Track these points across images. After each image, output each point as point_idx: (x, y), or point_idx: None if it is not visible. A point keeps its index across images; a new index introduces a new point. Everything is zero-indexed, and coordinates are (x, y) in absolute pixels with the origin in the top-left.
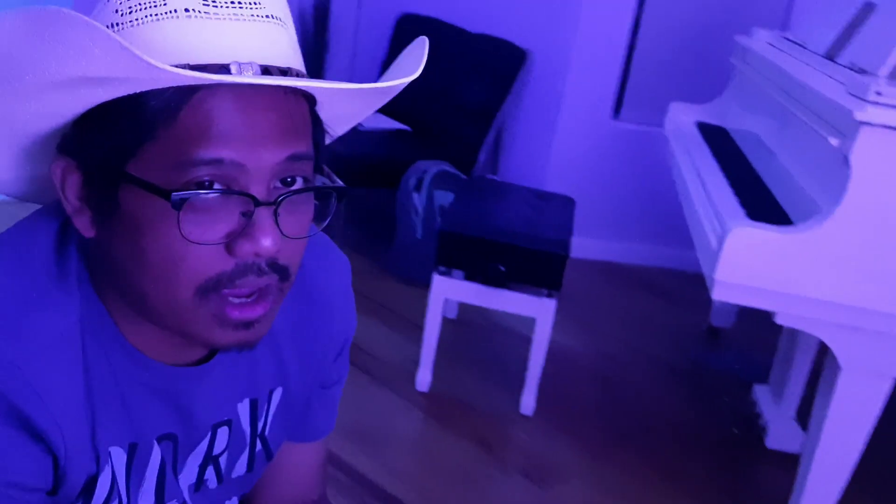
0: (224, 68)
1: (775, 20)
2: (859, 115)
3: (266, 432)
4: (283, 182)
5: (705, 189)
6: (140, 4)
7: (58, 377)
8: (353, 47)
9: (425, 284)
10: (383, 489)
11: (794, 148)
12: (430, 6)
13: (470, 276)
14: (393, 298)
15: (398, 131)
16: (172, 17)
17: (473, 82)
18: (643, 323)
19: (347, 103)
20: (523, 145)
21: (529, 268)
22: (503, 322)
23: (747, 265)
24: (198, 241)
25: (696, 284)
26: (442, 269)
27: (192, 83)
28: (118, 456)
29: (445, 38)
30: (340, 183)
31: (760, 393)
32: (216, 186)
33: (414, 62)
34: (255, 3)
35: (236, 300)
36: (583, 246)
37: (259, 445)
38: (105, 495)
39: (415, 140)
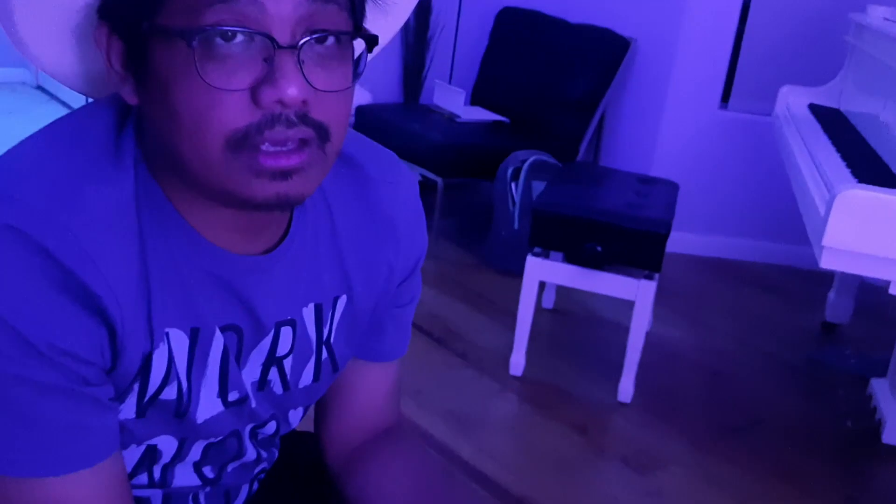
0: None
1: None
2: None
3: (332, 339)
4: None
5: (815, 162)
6: None
7: (113, 247)
8: (453, 42)
9: (522, 274)
10: (482, 472)
11: None
12: None
13: (565, 258)
14: (490, 288)
15: (496, 123)
16: None
17: (576, 73)
18: (752, 319)
19: None
20: (627, 136)
21: (627, 248)
22: (601, 312)
23: (856, 229)
24: (220, 87)
25: (808, 281)
26: (536, 250)
27: None
28: (179, 339)
29: (546, 29)
30: (370, 33)
31: (878, 387)
32: (232, 26)
33: None
34: None
35: (270, 149)
36: (689, 241)
37: (325, 353)
38: (161, 377)
39: (513, 131)
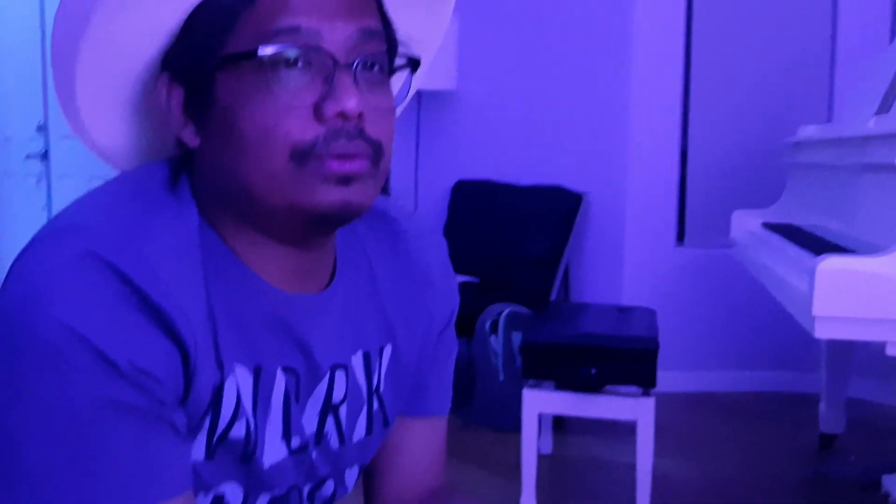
0: None
1: (819, 115)
2: None
3: (381, 390)
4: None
5: (787, 260)
6: None
7: (182, 275)
8: (414, 201)
9: (515, 429)
10: None
11: (867, 208)
12: (482, 170)
13: (560, 385)
14: (485, 446)
15: (466, 283)
16: None
17: (534, 232)
18: (751, 446)
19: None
20: (592, 284)
21: (621, 366)
22: (601, 452)
23: (843, 295)
24: (286, 103)
25: (794, 403)
26: (531, 381)
27: None
28: (244, 376)
29: (500, 195)
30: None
31: (891, 483)
32: (297, 51)
33: None
34: None
35: (332, 161)
36: (668, 379)
37: (376, 404)
38: (231, 412)
39: (484, 290)
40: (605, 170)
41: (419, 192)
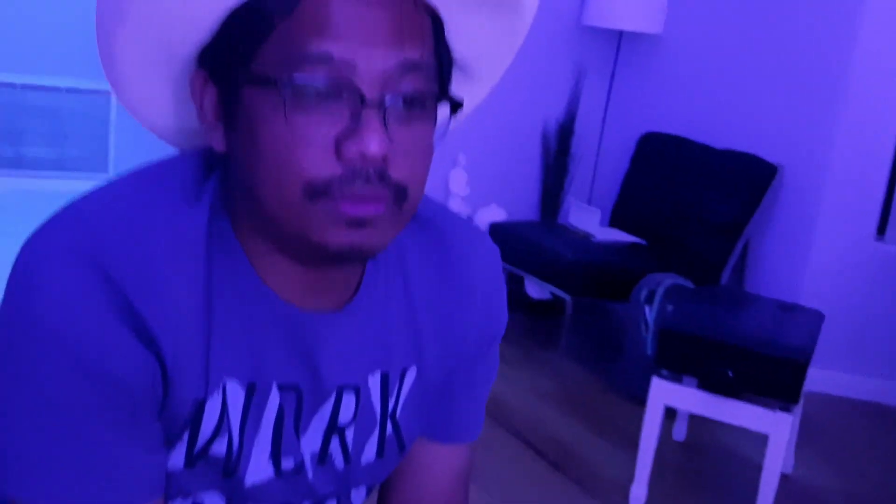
0: None
1: None
2: None
3: (398, 414)
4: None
5: None
6: None
7: (178, 284)
8: (594, 166)
9: None
10: None
11: None
12: (674, 124)
13: (694, 382)
14: (616, 415)
15: (633, 245)
16: None
17: (719, 198)
18: None
19: (472, 20)
20: (773, 265)
21: (762, 375)
22: (738, 448)
23: None
24: (306, 136)
25: None
26: (664, 372)
27: None
28: (235, 392)
29: (690, 154)
30: (457, 97)
31: None
32: (324, 82)
33: None
34: None
35: (346, 202)
36: (836, 380)
37: (390, 428)
38: (213, 428)
39: (650, 254)
40: (808, 144)
41: (603, 138)
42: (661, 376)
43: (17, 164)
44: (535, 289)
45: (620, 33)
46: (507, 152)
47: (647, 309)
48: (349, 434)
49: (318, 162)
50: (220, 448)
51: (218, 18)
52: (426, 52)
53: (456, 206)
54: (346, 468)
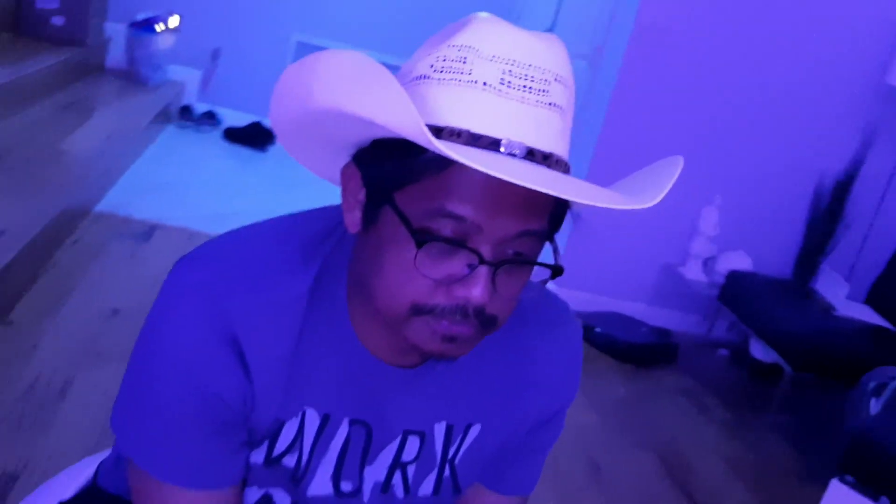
0: (495, 143)
1: None
2: None
3: (457, 461)
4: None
5: None
6: (451, 68)
7: (274, 331)
8: (864, 235)
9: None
10: None
11: None
12: None
13: (879, 495)
14: (798, 498)
15: (877, 328)
16: (472, 85)
17: None
18: None
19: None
20: None
21: None
22: None
23: None
24: (425, 274)
25: None
26: (847, 477)
27: (457, 160)
28: (312, 419)
29: None
30: (557, 263)
31: None
32: (453, 237)
33: (660, 180)
34: (543, 91)
35: (444, 324)
36: None
37: (448, 472)
38: (288, 443)
39: (894, 343)
40: None
41: (883, 207)
42: (843, 481)
43: None
44: (760, 350)
45: None
46: (768, 201)
47: (872, 400)
48: (410, 469)
49: (428, 292)
50: (290, 461)
51: (381, 136)
52: (544, 220)
53: (700, 245)
54: (406, 497)
